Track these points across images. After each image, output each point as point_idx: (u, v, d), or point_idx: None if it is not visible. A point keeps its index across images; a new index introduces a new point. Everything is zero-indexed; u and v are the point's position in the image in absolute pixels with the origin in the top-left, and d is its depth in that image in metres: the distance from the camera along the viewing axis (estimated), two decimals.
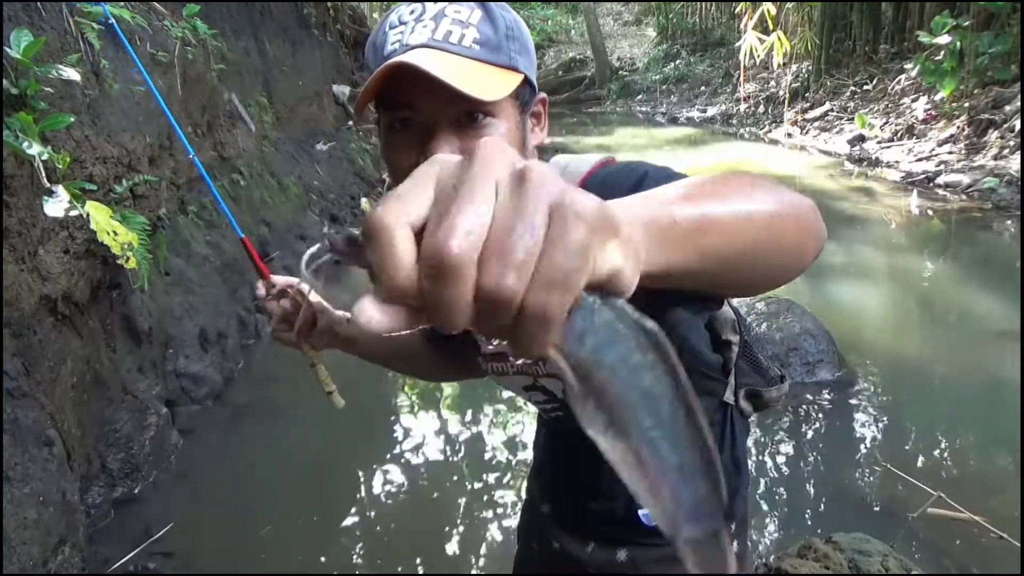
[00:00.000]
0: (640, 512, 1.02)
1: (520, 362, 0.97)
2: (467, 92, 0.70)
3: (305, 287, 1.09)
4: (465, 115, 0.75)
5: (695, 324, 0.95)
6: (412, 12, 0.77)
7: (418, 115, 0.76)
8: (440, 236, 0.31)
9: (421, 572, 2.44)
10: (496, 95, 0.74)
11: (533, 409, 1.12)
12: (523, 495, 1.23)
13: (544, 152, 0.94)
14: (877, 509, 2.58)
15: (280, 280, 1.11)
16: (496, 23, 0.77)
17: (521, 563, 1.25)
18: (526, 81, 0.80)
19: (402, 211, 0.32)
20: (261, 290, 1.10)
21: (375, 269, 0.32)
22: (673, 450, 0.37)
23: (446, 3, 0.77)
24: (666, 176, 0.77)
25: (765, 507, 2.70)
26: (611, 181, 0.82)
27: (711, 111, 13.18)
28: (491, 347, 1.01)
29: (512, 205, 0.32)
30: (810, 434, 3.19)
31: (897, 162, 7.82)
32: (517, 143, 0.80)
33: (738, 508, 1.10)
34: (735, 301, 1.11)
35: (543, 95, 0.87)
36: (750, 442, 3.12)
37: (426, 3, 0.77)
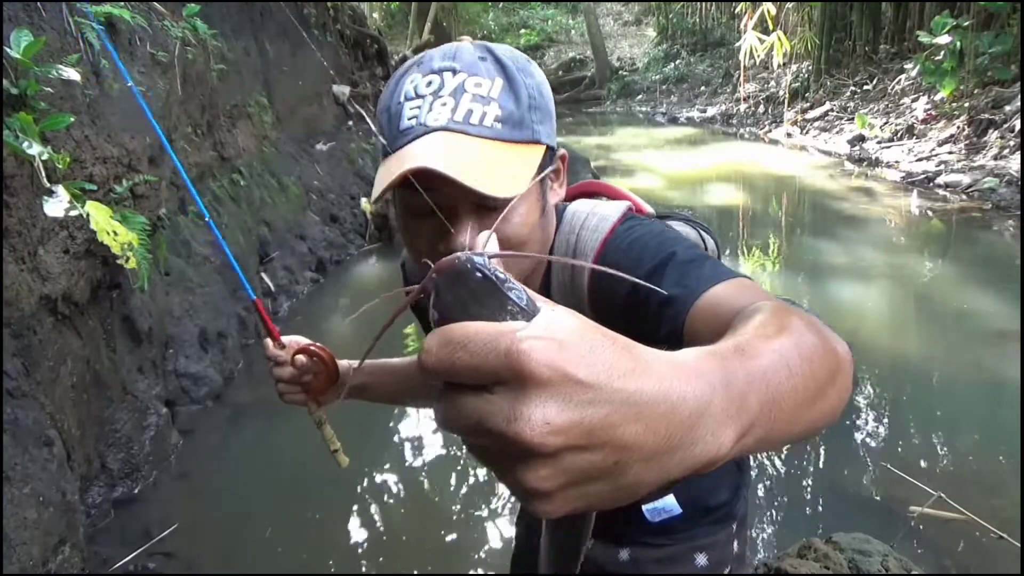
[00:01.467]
0: (644, 508, 1.03)
1: None
2: (485, 192, 0.67)
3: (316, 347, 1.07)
4: (485, 199, 0.71)
5: None
6: (429, 84, 0.73)
7: (438, 201, 0.72)
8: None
9: (421, 572, 2.44)
10: (514, 190, 0.70)
11: None
12: None
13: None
14: (877, 509, 2.57)
15: (291, 340, 1.10)
16: (519, 94, 0.74)
17: (519, 557, 1.25)
18: (547, 148, 0.77)
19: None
20: (271, 348, 1.09)
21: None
22: None
23: (467, 75, 0.73)
24: (693, 261, 0.74)
25: (765, 507, 2.69)
26: (637, 253, 0.78)
27: (711, 111, 13.18)
28: None
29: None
30: None
31: (897, 162, 7.82)
32: (537, 213, 0.78)
33: (739, 508, 1.11)
34: None
35: (563, 152, 0.84)
36: None
37: (444, 75, 0.73)
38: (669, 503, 1.03)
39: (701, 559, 1.06)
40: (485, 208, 0.73)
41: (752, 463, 2.94)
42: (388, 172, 0.70)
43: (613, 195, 0.98)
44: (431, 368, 0.33)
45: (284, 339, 1.10)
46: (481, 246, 0.39)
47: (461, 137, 0.70)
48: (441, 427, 0.35)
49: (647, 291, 0.71)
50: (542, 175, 0.77)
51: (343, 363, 1.12)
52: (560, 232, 0.87)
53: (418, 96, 0.73)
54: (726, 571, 1.09)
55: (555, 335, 0.32)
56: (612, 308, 0.78)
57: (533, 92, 0.75)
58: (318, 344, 1.08)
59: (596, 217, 0.86)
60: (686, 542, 1.05)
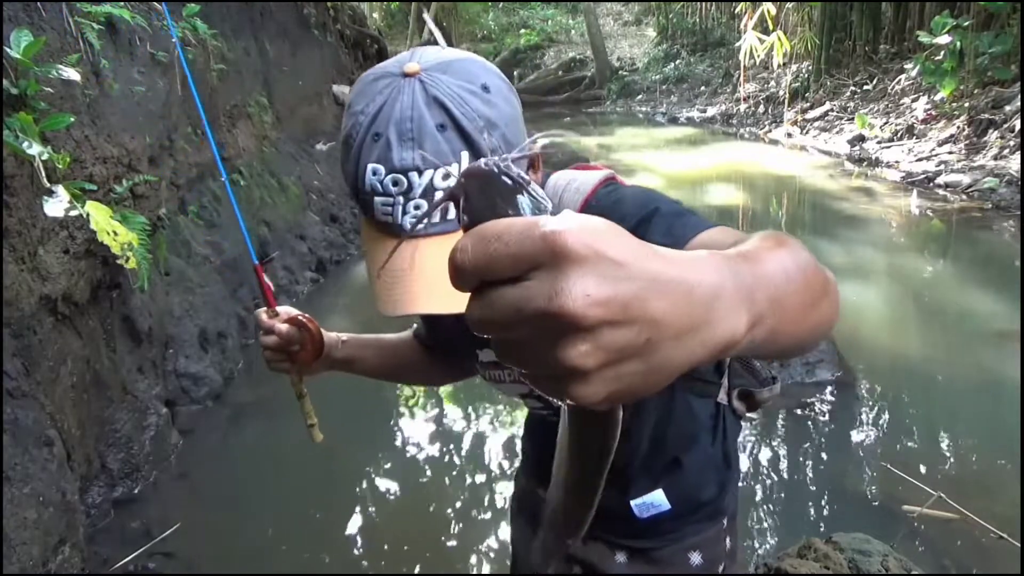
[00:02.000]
0: (633, 503, 1.04)
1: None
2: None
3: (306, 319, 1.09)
4: None
5: None
6: (396, 185, 0.71)
7: None
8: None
9: (422, 572, 2.44)
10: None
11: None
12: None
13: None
14: (877, 509, 2.57)
15: (283, 310, 1.11)
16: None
17: (519, 557, 1.26)
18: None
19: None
20: (263, 316, 1.10)
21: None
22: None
23: (432, 171, 0.71)
24: (677, 214, 0.76)
25: (766, 507, 2.70)
26: (621, 208, 0.81)
27: (711, 111, 13.18)
28: (486, 358, 1.02)
29: None
30: (810, 434, 3.19)
31: (897, 162, 7.82)
32: None
33: (728, 504, 1.11)
34: None
35: (538, 147, 0.86)
36: (750, 441, 3.12)
37: (411, 175, 0.71)
38: (658, 499, 1.03)
39: (695, 558, 1.07)
40: None
41: (749, 462, 2.95)
42: (383, 293, 0.72)
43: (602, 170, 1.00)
44: (469, 265, 0.34)
45: (278, 308, 1.11)
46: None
47: (441, 242, 0.70)
48: (476, 327, 0.35)
49: None
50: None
51: (331, 335, 1.13)
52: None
53: (386, 194, 0.72)
54: (720, 568, 1.09)
55: (585, 223, 0.34)
56: None
57: (499, 148, 0.73)
58: (306, 315, 1.10)
59: (577, 182, 0.88)
60: (678, 542, 1.06)
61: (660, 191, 0.88)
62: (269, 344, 1.09)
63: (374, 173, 0.72)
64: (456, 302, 0.66)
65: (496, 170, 0.37)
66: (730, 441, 1.09)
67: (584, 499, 0.52)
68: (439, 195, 0.71)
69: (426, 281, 0.70)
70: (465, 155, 0.72)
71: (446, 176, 0.71)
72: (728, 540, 1.11)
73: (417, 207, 0.71)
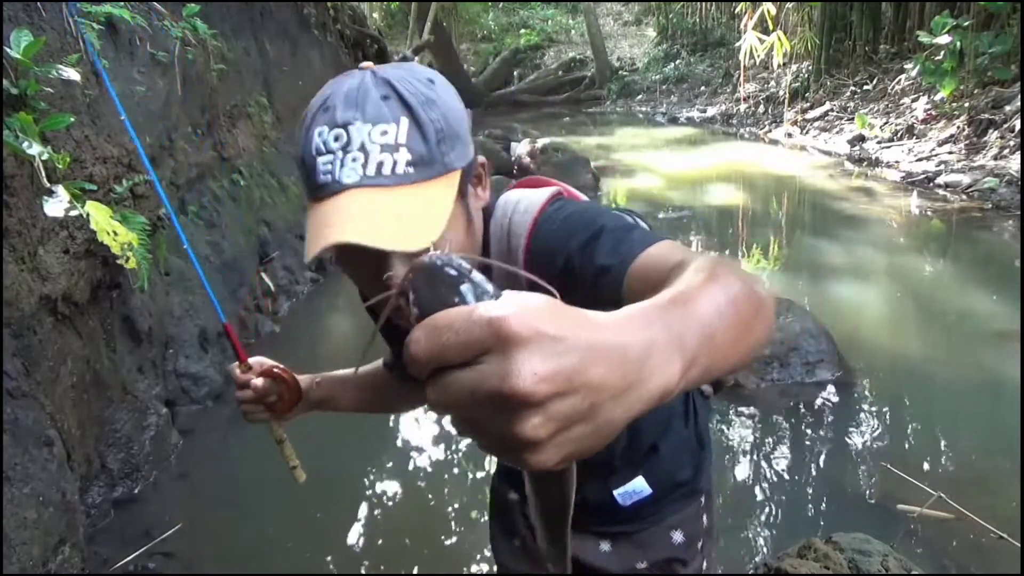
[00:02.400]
0: (615, 492, 1.08)
1: None
2: (403, 249, 0.71)
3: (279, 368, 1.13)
4: None
5: None
6: (337, 139, 0.74)
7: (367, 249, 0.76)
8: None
9: (422, 572, 2.44)
10: (433, 236, 0.73)
11: None
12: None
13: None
14: (877, 509, 2.57)
15: (257, 362, 1.14)
16: (426, 132, 0.75)
17: (498, 550, 1.29)
18: (463, 169, 0.80)
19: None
20: (237, 372, 1.13)
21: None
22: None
23: (371, 126, 0.73)
24: (624, 230, 0.79)
25: (766, 507, 2.70)
26: (569, 227, 0.83)
27: (711, 111, 13.18)
28: None
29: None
30: (810, 434, 3.19)
31: (897, 162, 7.82)
32: (463, 230, 0.82)
33: (704, 483, 1.16)
34: None
35: (482, 159, 0.87)
36: (751, 441, 3.12)
37: (350, 129, 0.73)
38: (639, 486, 1.08)
39: (677, 536, 1.12)
40: None
41: (750, 462, 2.95)
42: (314, 235, 0.73)
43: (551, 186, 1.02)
44: (422, 355, 0.37)
45: (251, 360, 1.14)
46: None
47: (375, 192, 0.73)
48: (436, 408, 0.38)
49: (581, 264, 0.78)
50: (466, 188, 0.82)
51: (306, 378, 1.16)
52: (493, 220, 0.91)
53: (328, 151, 0.74)
54: (699, 544, 1.14)
55: (524, 304, 0.37)
56: (549, 283, 0.82)
57: (439, 124, 0.76)
58: (281, 367, 1.13)
59: (525, 202, 0.90)
60: (659, 522, 1.11)
61: (605, 207, 0.92)
62: (245, 399, 1.13)
63: (319, 135, 0.75)
64: (377, 236, 0.70)
65: (439, 263, 0.41)
66: (701, 423, 1.15)
67: (557, 541, 0.56)
68: (376, 150, 0.73)
69: (355, 218, 0.71)
70: (404, 120, 0.74)
71: (384, 133, 0.73)
72: (705, 517, 1.17)
73: (354, 159, 0.73)
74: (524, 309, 0.37)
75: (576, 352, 0.36)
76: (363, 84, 0.76)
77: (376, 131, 0.73)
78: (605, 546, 1.11)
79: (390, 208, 0.72)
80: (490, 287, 0.41)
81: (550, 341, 0.36)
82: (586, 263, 0.77)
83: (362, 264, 0.77)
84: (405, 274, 0.41)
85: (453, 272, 0.41)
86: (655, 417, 1.06)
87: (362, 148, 0.73)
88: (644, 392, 0.39)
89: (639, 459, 1.08)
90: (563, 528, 0.55)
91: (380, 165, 0.73)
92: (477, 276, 0.42)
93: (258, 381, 1.11)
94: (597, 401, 0.37)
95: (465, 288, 0.40)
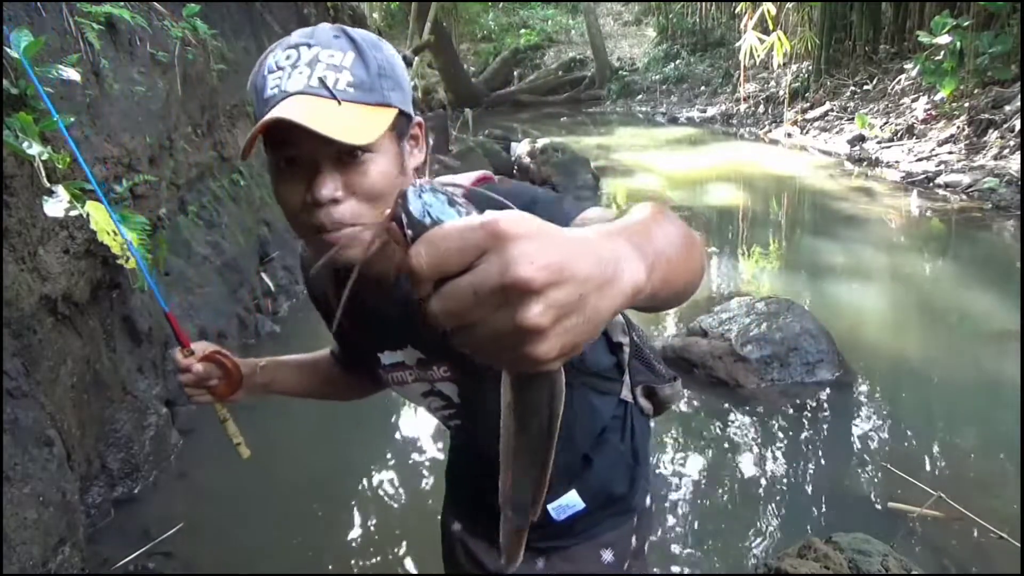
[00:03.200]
0: (549, 507, 1.08)
1: (416, 368, 1.04)
2: (339, 139, 0.76)
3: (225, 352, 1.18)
4: (345, 153, 0.80)
5: None
6: (288, 58, 0.81)
7: (301, 155, 0.81)
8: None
9: (422, 572, 2.44)
10: (367, 138, 0.79)
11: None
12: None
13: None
14: (877, 509, 2.57)
15: (199, 347, 1.17)
16: (368, 64, 0.82)
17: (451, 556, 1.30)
18: (401, 113, 0.85)
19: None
20: (179, 356, 1.16)
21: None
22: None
23: (320, 48, 0.81)
24: (555, 201, 0.86)
25: (766, 507, 2.70)
26: (497, 203, 0.85)
27: (711, 111, 13.18)
28: (388, 360, 1.06)
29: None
30: (810, 434, 3.19)
31: (897, 162, 7.82)
32: (396, 169, 0.85)
33: (638, 502, 1.15)
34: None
35: (419, 119, 0.91)
36: (751, 441, 3.12)
37: (301, 49, 0.81)
38: (572, 500, 1.08)
39: (607, 555, 1.11)
40: (344, 162, 0.80)
41: (750, 462, 2.95)
42: (255, 130, 0.77)
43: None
44: (425, 267, 0.39)
45: (193, 346, 1.17)
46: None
47: (317, 99, 0.78)
48: (440, 319, 0.40)
49: None
50: (403, 137, 0.87)
51: (249, 362, 1.20)
52: None
53: (279, 68, 0.80)
54: (625, 565, 1.13)
55: (511, 212, 0.40)
56: None
57: (383, 63, 0.83)
58: (222, 352, 1.17)
59: (452, 185, 0.93)
60: (592, 538, 1.11)
61: (532, 185, 0.96)
62: (187, 382, 1.16)
63: (273, 57, 0.82)
64: (315, 122, 0.74)
65: (428, 186, 0.44)
66: (639, 440, 1.14)
67: (540, 469, 0.54)
68: (320, 66, 0.79)
69: (293, 111, 0.75)
70: (351, 53, 0.81)
71: (331, 56, 0.80)
72: (634, 539, 1.15)
73: (301, 72, 0.79)
74: (511, 214, 0.40)
75: (562, 247, 0.40)
76: (318, 26, 0.84)
77: (324, 53, 0.80)
78: (540, 563, 1.12)
79: (331, 111, 0.77)
80: (473, 208, 0.45)
81: (539, 238, 0.39)
82: None
83: (291, 176, 0.82)
84: (395, 200, 0.44)
85: (441, 194, 0.44)
86: (585, 427, 1.08)
87: (309, 64, 0.79)
88: (621, 287, 0.43)
89: (573, 471, 1.08)
90: (547, 455, 0.52)
91: (323, 79, 0.79)
92: (459, 199, 0.45)
93: (198, 365, 1.15)
94: (585, 292, 0.40)
95: (452, 207, 0.44)
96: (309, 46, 0.81)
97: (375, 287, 0.95)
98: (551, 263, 0.38)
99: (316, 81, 0.79)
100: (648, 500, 1.20)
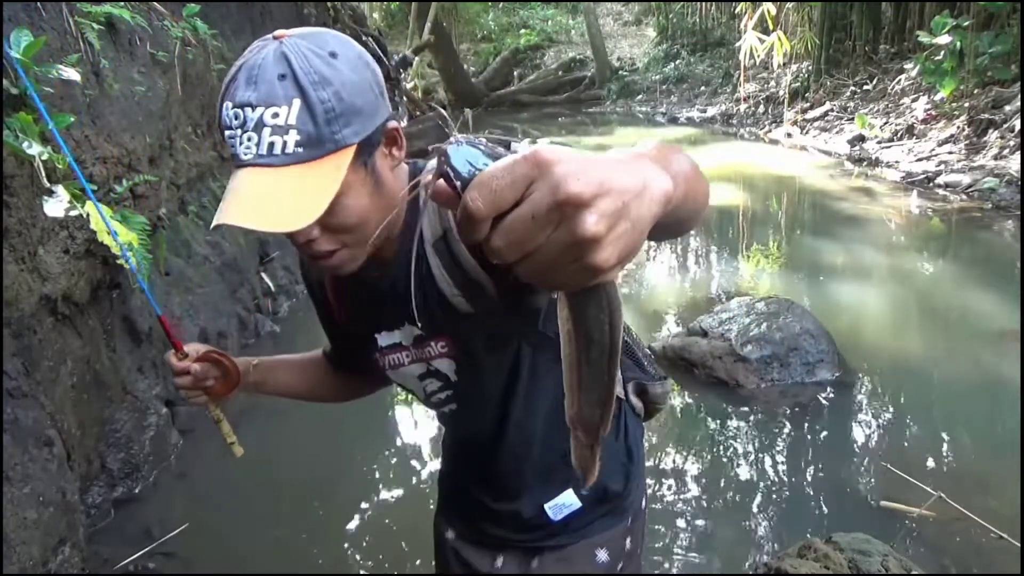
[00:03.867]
0: (546, 506, 1.09)
1: (412, 348, 1.05)
2: (282, 230, 0.80)
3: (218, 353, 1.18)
4: None
5: None
6: (236, 119, 0.80)
7: None
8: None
9: (422, 572, 2.44)
10: (312, 215, 0.80)
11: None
12: None
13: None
14: (877, 509, 2.57)
15: (192, 348, 1.17)
16: (315, 112, 0.80)
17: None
18: (361, 143, 0.84)
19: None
20: (173, 359, 1.16)
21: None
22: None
23: (264, 108, 0.79)
24: None
25: (766, 507, 2.70)
26: None
27: (711, 111, 13.17)
28: (385, 341, 1.06)
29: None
30: (810, 434, 3.19)
31: (897, 162, 7.81)
32: (365, 199, 0.87)
33: (633, 502, 1.16)
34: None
35: (393, 124, 0.90)
36: (751, 441, 3.12)
37: (246, 111, 0.79)
38: (569, 499, 1.09)
39: (602, 555, 1.12)
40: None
41: (750, 462, 2.95)
42: (220, 207, 0.81)
43: None
44: (483, 207, 0.42)
45: (187, 348, 1.17)
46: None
47: (265, 172, 0.79)
48: (503, 253, 0.43)
49: None
50: (371, 157, 0.88)
51: (242, 360, 1.20)
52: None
53: (230, 127, 0.81)
54: (619, 566, 1.14)
55: (543, 144, 0.44)
56: None
57: (330, 104, 0.80)
58: (218, 351, 1.18)
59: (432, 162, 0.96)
60: (587, 537, 1.11)
61: None
62: (184, 385, 1.16)
63: (225, 109, 0.81)
64: (257, 220, 0.79)
65: (465, 141, 0.48)
66: (632, 438, 1.16)
67: (606, 384, 0.55)
68: (267, 131, 0.79)
69: (244, 199, 0.79)
70: (297, 102, 0.79)
71: (275, 115, 0.79)
72: (629, 540, 1.16)
73: (249, 139, 0.80)
74: (544, 145, 0.44)
75: (599, 165, 0.43)
76: (265, 59, 0.80)
77: (268, 113, 0.79)
78: (535, 563, 1.13)
79: (276, 189, 0.79)
80: (504, 149, 0.48)
81: (577, 159, 0.43)
82: None
83: (288, 233, 0.85)
84: (438, 158, 0.47)
85: (477, 145, 0.48)
86: None
87: (256, 129, 0.79)
88: (653, 193, 0.46)
89: (567, 470, 1.09)
90: (613, 370, 0.54)
91: (271, 146, 0.79)
92: (490, 144, 0.48)
93: (196, 366, 1.15)
94: (627, 200, 0.43)
95: (489, 154, 0.47)
96: (252, 107, 0.79)
97: (372, 266, 0.96)
98: (593, 178, 0.42)
99: (265, 149, 0.79)
100: (643, 502, 1.21)
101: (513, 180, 0.42)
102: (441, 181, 0.47)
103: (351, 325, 1.11)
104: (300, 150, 0.79)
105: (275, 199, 0.79)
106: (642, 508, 1.20)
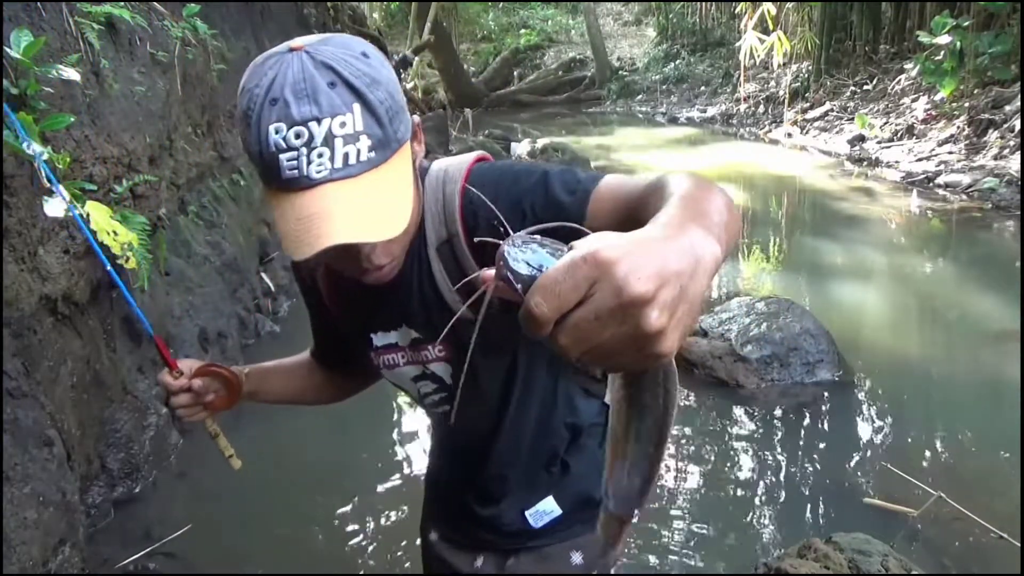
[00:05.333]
0: (527, 513, 1.10)
1: (408, 350, 1.04)
2: (380, 239, 0.80)
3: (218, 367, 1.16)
4: None
5: None
6: (299, 137, 0.75)
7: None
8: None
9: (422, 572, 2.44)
10: (402, 223, 0.80)
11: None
12: None
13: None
14: (877, 509, 2.57)
15: (186, 365, 1.15)
16: (378, 113, 0.78)
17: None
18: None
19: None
20: (168, 378, 1.13)
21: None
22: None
23: (330, 119, 0.75)
24: (568, 171, 0.87)
25: (766, 507, 2.70)
26: (510, 175, 0.90)
27: (711, 111, 13.18)
28: (381, 341, 1.06)
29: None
30: (810, 434, 3.19)
31: (897, 162, 7.82)
32: (411, 209, 0.85)
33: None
34: None
35: (416, 120, 0.90)
36: (750, 441, 3.12)
37: (310, 125, 0.75)
38: (549, 506, 1.10)
39: (576, 558, 1.12)
40: None
41: (750, 462, 2.95)
42: (301, 233, 0.76)
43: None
44: (548, 310, 0.43)
45: (180, 364, 1.14)
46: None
47: (346, 185, 0.76)
48: (570, 350, 0.44)
49: (530, 207, 0.85)
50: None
51: (234, 370, 1.18)
52: (427, 190, 0.97)
53: (290, 148, 0.75)
54: (594, 572, 1.14)
55: (598, 238, 0.46)
56: (492, 235, 0.86)
57: (387, 103, 0.79)
58: (213, 364, 1.15)
59: (451, 170, 0.96)
60: (565, 539, 1.12)
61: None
62: (182, 403, 1.14)
63: (276, 132, 0.75)
64: (364, 232, 0.77)
65: (519, 243, 0.49)
66: None
67: (653, 461, 0.57)
68: (339, 142, 0.76)
69: (337, 217, 0.75)
70: (357, 107, 0.76)
71: (343, 124, 0.76)
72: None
73: (320, 155, 0.75)
74: (602, 240, 0.45)
75: (654, 255, 0.45)
76: (306, 70, 0.76)
77: (336, 123, 0.76)
78: (511, 561, 1.14)
79: (363, 198, 0.77)
80: (560, 244, 0.49)
81: (634, 254, 0.44)
82: (540, 201, 0.85)
83: (342, 252, 0.81)
84: (496, 264, 0.49)
85: (533, 243, 0.49)
86: (562, 431, 1.08)
87: (326, 142, 0.75)
88: (706, 266, 0.48)
89: (549, 477, 1.10)
90: (659, 454, 0.55)
91: (346, 156, 0.76)
92: (546, 240, 0.50)
93: (196, 381, 1.12)
94: (684, 284, 0.45)
95: (547, 251, 0.48)
96: (319, 121, 0.75)
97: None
98: (652, 271, 0.43)
99: (340, 162, 0.76)
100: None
101: (576, 284, 0.43)
102: (502, 283, 0.48)
103: (346, 324, 1.10)
104: (373, 154, 0.78)
105: (367, 209, 0.77)
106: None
